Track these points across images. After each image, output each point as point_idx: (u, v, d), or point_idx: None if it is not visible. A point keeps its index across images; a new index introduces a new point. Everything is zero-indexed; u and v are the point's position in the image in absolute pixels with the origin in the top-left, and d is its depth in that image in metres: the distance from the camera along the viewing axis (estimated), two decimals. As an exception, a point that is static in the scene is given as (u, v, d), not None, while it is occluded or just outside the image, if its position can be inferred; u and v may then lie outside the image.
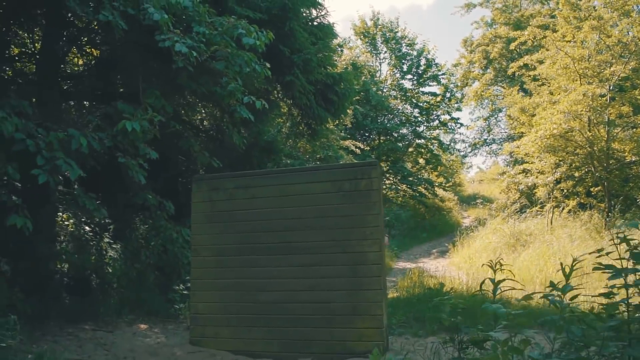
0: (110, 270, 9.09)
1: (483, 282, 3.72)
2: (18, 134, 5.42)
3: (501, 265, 3.41)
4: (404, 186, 27.79)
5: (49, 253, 8.30)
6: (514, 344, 2.55)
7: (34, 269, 7.78)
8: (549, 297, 2.89)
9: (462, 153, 34.40)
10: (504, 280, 3.33)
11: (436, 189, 28.45)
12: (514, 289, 3.55)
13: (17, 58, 10.19)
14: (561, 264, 3.05)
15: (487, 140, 32.67)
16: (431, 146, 29.38)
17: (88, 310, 7.99)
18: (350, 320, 5.91)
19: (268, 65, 7.55)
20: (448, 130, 30.83)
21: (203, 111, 12.44)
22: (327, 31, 11.50)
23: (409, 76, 30.03)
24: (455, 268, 14.60)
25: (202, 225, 6.83)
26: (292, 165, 13.79)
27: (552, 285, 2.95)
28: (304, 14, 10.82)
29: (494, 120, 32.37)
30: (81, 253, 9.09)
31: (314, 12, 11.18)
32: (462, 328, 3.08)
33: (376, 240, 6.00)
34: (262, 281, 6.38)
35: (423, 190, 27.45)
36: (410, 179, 27.68)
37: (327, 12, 11.34)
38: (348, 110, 18.04)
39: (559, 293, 2.87)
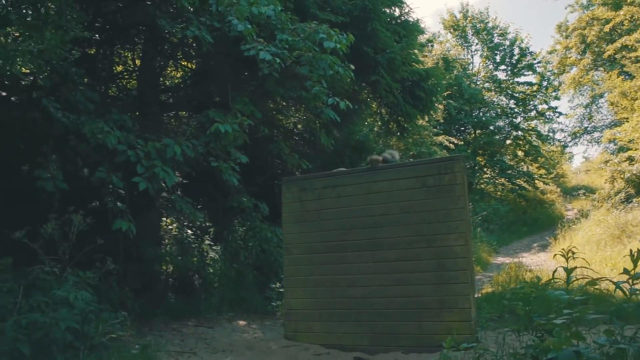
0: (211, 271, 9.59)
1: (555, 271, 3.70)
2: (121, 145, 5.91)
3: (573, 254, 3.38)
4: (502, 180, 27.11)
5: (154, 255, 8.87)
6: (577, 330, 2.57)
7: (142, 270, 8.36)
8: (617, 283, 2.86)
9: (562, 143, 33.05)
10: (575, 268, 3.30)
11: (536, 181, 27.52)
12: (585, 277, 3.51)
13: (119, 75, 10.96)
14: (630, 250, 2.99)
15: (588, 129, 31.24)
16: (529, 137, 28.41)
17: (191, 308, 8.49)
18: (438, 313, 5.96)
19: (352, 66, 7.72)
20: (546, 120, 29.71)
21: (294, 115, 12.80)
22: (411, 28, 11.52)
23: (503, 67, 29.22)
24: (556, 262, 14.14)
25: (292, 225, 7.10)
26: (385, 164, 13.89)
27: (626, 271, 2.91)
28: (388, 12, 10.92)
29: (595, 107, 30.90)
30: (184, 255, 9.65)
31: (397, 11, 11.25)
32: (533, 317, 3.10)
33: (462, 234, 6.03)
34: (351, 277, 6.55)
35: (523, 183, 26.67)
36: (509, 172, 26.97)
37: (411, 9, 11.38)
38: (439, 106, 17.93)
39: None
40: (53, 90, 6.09)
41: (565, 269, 3.34)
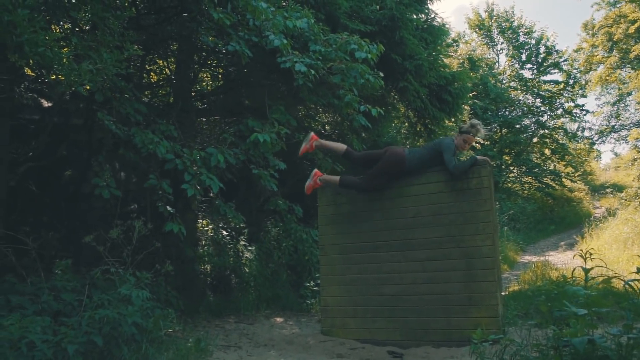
0: (247, 270, 10.04)
1: (574, 270, 4.04)
2: (169, 154, 6.38)
3: (591, 254, 3.73)
4: (529, 178, 27.21)
5: (193, 256, 9.35)
6: (591, 321, 2.91)
7: (182, 270, 8.85)
8: (627, 281, 3.20)
9: (590, 140, 32.93)
10: (592, 268, 3.64)
11: (564, 179, 27.55)
12: (602, 275, 3.84)
13: (155, 85, 11.47)
14: (641, 249, 3.32)
15: (616, 127, 31.11)
16: (556, 135, 28.43)
17: (230, 306, 8.96)
18: (467, 310, 6.32)
19: (381, 74, 8.07)
20: (573, 118, 29.70)
21: (324, 119, 13.20)
22: (437, 33, 11.83)
23: (529, 65, 29.27)
24: (581, 261, 14.29)
25: (327, 227, 7.51)
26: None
27: (639, 270, 3.25)
28: (415, 17, 11.24)
29: (622, 105, 30.78)
30: (221, 255, 10.13)
31: (423, 17, 11.57)
32: (555, 311, 3.43)
33: (489, 234, 6.38)
34: (384, 275, 6.94)
35: (550, 181, 26.74)
36: (536, 170, 27.05)
37: (436, 14, 11.70)
38: (465, 106, 18.16)
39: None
40: (105, 104, 6.58)
41: (584, 269, 3.68)
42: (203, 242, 10.45)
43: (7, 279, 5.60)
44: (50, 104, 11.13)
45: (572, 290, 3.26)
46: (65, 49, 5.59)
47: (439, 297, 6.54)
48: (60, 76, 5.52)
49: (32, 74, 8.91)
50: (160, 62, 11.18)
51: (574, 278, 4.03)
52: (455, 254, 6.54)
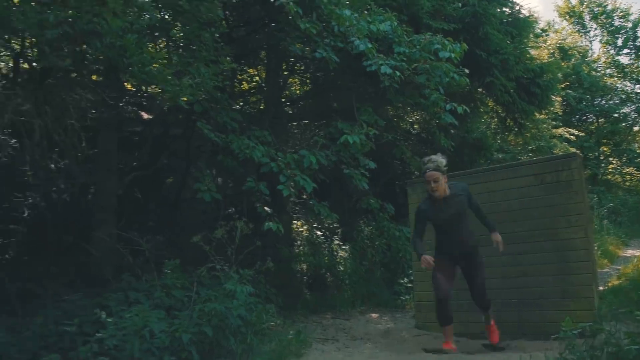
0: (342, 269, 10.35)
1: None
2: (264, 158, 6.79)
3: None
4: (630, 169, 26.00)
5: (289, 255, 9.76)
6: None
7: (279, 269, 9.26)
8: None
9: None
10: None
11: (669, 169, 26.13)
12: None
13: (246, 93, 12.02)
14: None
15: None
16: (660, 122, 26.98)
17: (326, 303, 9.29)
18: (562, 303, 6.30)
19: (466, 71, 8.15)
20: (677, 104, 28.06)
21: (412, 117, 13.34)
22: (523, 25, 11.73)
23: (626, 50, 27.95)
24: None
25: (417, 223, 7.66)
26: (503, 159, 14.12)
27: None
28: (498, 11, 11.18)
29: None
30: (316, 254, 10.49)
31: (507, 10, 11.48)
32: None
33: (581, 227, 6.34)
34: (476, 270, 7.02)
35: (653, 171, 25.46)
36: (638, 161, 25.80)
37: (521, 6, 11.59)
38: (556, 98, 17.71)
39: None
40: (203, 114, 7.07)
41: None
42: (298, 242, 10.85)
43: (124, 278, 6.18)
44: (149, 116, 11.96)
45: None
46: (165, 66, 6.07)
47: (532, 291, 6.56)
48: (161, 91, 6.00)
49: (132, 88, 9.63)
50: (250, 70, 11.70)
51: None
52: (547, 247, 6.54)
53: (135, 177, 9.55)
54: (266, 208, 7.01)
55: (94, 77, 7.94)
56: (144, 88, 8.91)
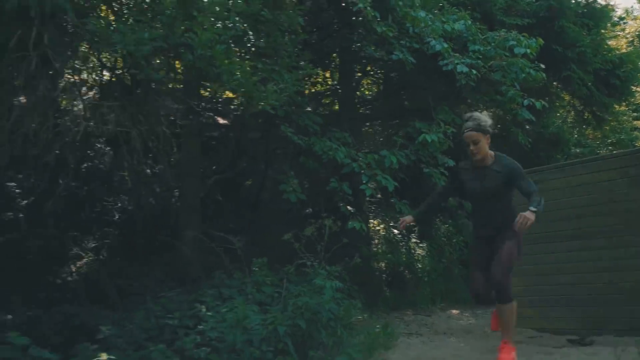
0: (420, 266, 10.46)
1: None
2: (346, 159, 7.02)
3: None
4: None
5: (368, 253, 9.95)
6: None
7: (359, 267, 9.46)
8: None
9: None
10: None
11: None
12: None
13: (320, 96, 12.29)
14: None
15: None
16: None
17: (406, 300, 9.43)
18: (651, 297, 6.21)
19: (542, 66, 8.13)
20: None
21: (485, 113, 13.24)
22: (599, 15, 11.51)
23: None
24: None
25: (497, 220, 7.69)
26: (582, 153, 13.81)
27: None
28: (573, 3, 11.00)
29: None
30: (394, 253, 10.64)
31: (583, 1, 11.29)
32: None
33: (668, 220, 6.24)
34: (559, 265, 6.99)
35: None
36: None
37: (597, -4, 11.37)
38: (637, 88, 17.13)
39: None
40: (284, 117, 7.36)
41: None
42: (376, 240, 11.03)
43: (217, 275, 6.55)
44: (225, 121, 12.43)
45: None
46: (250, 74, 6.38)
47: (619, 286, 6.49)
48: (248, 97, 6.32)
49: (207, 95, 10.07)
50: (323, 73, 11.95)
51: None
52: (635, 242, 6.45)
53: (216, 180, 9.98)
54: (349, 207, 7.24)
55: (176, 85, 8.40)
56: (219, 94, 9.35)
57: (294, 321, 5.13)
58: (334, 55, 10.85)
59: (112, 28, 5.41)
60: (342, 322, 5.67)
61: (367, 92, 13.05)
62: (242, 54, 6.73)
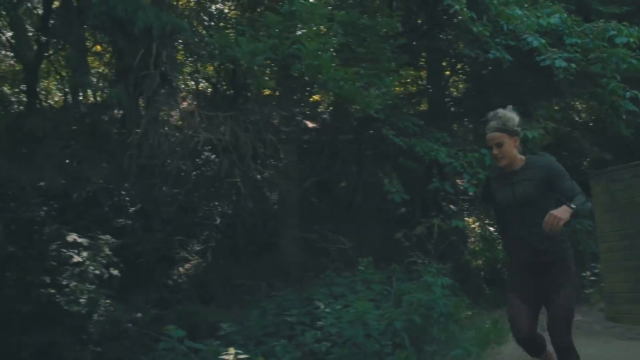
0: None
1: None
2: (447, 159, 7.14)
3: None
4: None
5: (465, 251, 9.97)
6: None
7: (457, 265, 9.51)
8: None
9: None
10: None
11: None
12: None
13: (411, 97, 12.39)
14: None
15: None
16: None
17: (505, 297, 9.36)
18: None
19: (646, 55, 7.91)
20: None
21: (578, 106, 12.92)
22: None
23: None
24: None
25: (604, 215, 7.56)
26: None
27: None
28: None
29: None
30: (491, 250, 10.60)
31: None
32: None
33: None
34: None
35: None
36: None
37: None
38: None
39: None
40: (384, 120, 7.55)
41: None
42: (472, 238, 11.04)
43: (328, 274, 6.84)
44: (314, 125, 12.74)
45: None
46: (354, 80, 6.62)
47: None
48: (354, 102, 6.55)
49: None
50: (418, 73, 12.04)
51: None
52: None
53: (312, 183, 10.28)
54: (451, 206, 7.36)
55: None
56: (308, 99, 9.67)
57: (409, 317, 5.31)
58: (423, 55, 10.93)
59: (232, 41, 5.78)
60: (453, 317, 5.80)
61: (453, 91, 13.03)
62: (345, 61, 6.96)
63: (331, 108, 11.44)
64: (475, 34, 7.47)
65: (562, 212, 3.29)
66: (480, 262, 10.51)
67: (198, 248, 10.56)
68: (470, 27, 7.31)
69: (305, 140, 11.65)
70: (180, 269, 10.12)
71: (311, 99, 10.95)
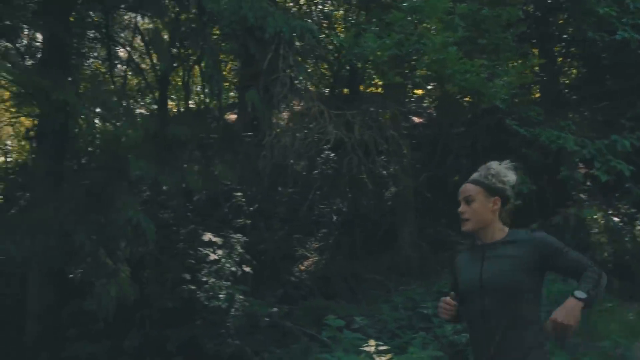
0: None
1: None
2: (576, 147, 6.95)
3: None
4: None
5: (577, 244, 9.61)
6: None
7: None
8: None
9: None
10: None
11: None
12: None
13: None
14: None
15: None
16: None
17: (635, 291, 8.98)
18: None
19: None
20: None
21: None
22: None
23: None
24: None
25: None
26: None
27: None
28: None
29: None
30: (617, 242, 10.14)
31: None
32: None
33: None
34: None
35: None
36: None
37: None
38: None
39: None
40: (506, 111, 7.46)
41: None
42: (595, 230, 10.62)
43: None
44: (420, 120, 12.73)
45: None
46: (478, 72, 6.59)
47: None
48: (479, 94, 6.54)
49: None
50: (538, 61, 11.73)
51: None
52: None
53: (426, 177, 10.28)
54: (582, 195, 7.17)
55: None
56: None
57: (547, 307, 5.26)
58: (534, 42, 10.65)
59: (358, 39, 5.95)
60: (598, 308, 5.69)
61: (566, 79, 12.58)
62: (467, 54, 6.95)
63: (436, 102, 11.42)
64: (600, 16, 7.21)
65: (569, 312, 2.20)
66: (606, 254, 10.08)
67: (317, 245, 10.83)
68: (596, 9, 7.07)
69: (415, 136, 11.68)
70: (300, 266, 10.40)
71: (414, 93, 10.96)
